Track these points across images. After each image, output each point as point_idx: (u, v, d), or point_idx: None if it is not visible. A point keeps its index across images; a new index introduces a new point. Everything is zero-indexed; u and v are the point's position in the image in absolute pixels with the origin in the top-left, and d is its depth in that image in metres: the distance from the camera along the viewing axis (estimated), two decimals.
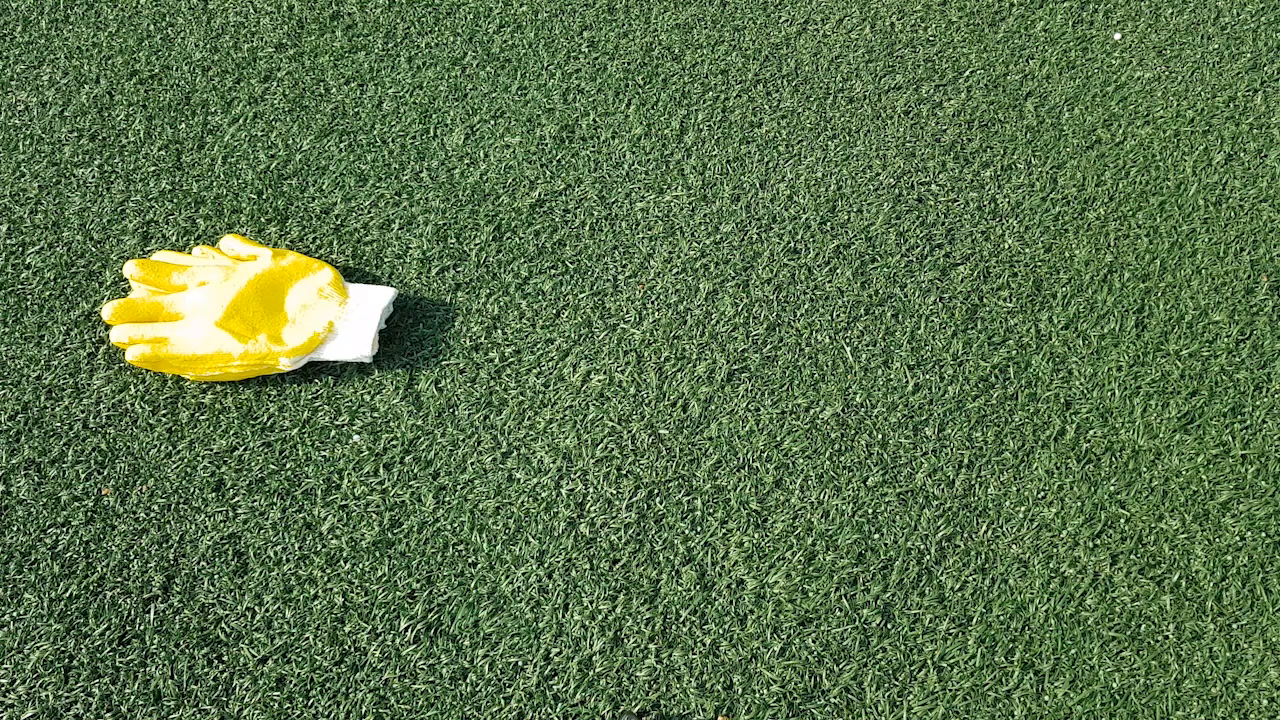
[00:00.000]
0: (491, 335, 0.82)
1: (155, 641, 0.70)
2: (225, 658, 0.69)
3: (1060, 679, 0.71)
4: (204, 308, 0.77)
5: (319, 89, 0.94)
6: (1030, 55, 1.00)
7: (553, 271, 0.86)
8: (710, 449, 0.78)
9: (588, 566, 0.74)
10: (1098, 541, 0.76)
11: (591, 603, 0.72)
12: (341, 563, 0.73)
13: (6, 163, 0.89)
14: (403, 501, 0.75)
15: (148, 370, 0.79)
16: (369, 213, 0.88)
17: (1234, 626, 0.73)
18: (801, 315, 0.84)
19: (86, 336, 0.81)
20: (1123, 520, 0.77)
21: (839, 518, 0.76)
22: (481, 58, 0.97)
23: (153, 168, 0.89)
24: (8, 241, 0.85)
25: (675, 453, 0.78)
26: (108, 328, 0.80)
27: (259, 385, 0.79)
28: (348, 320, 0.79)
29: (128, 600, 0.71)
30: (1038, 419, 0.80)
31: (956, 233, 0.89)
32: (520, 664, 0.70)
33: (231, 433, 0.77)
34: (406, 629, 0.71)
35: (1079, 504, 0.77)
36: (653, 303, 0.85)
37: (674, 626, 0.72)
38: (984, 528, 0.76)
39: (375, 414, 0.79)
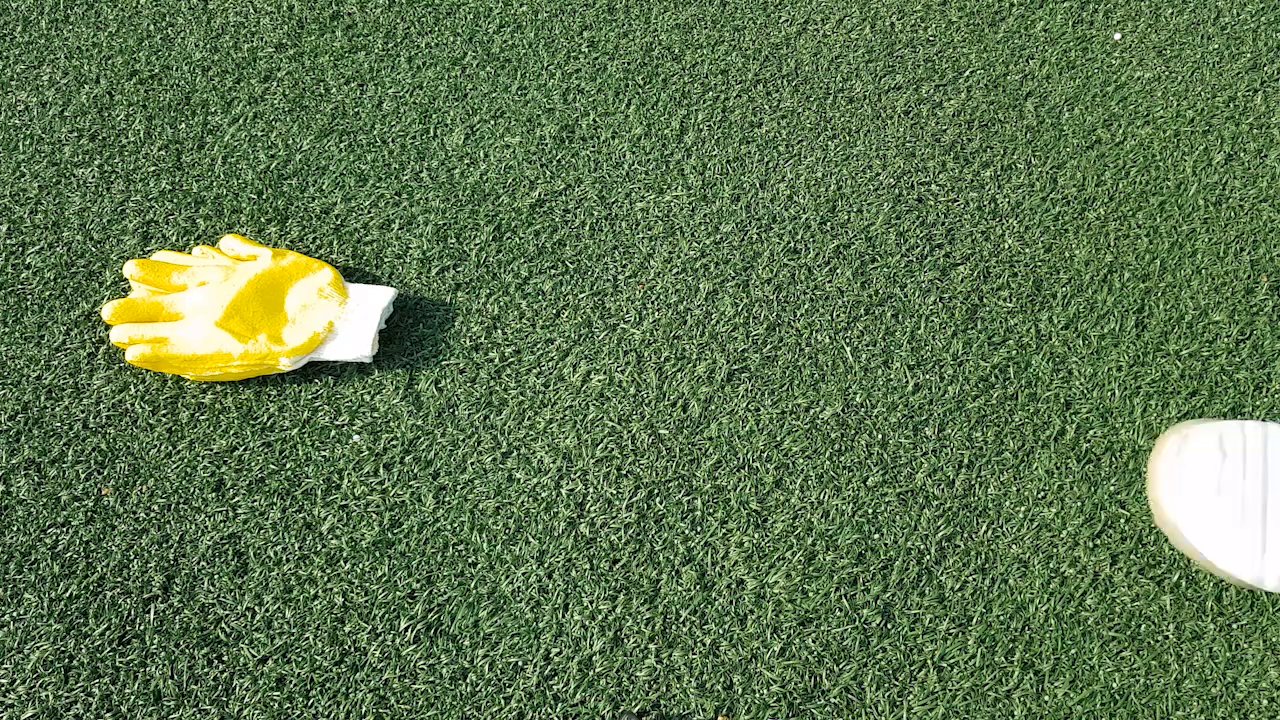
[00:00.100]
0: (491, 335, 0.82)
1: (155, 641, 0.70)
2: (225, 658, 0.69)
3: (1060, 679, 0.71)
4: (204, 308, 0.77)
5: (319, 89, 0.94)
6: (1030, 55, 1.00)
7: (553, 271, 0.86)
8: (710, 449, 0.78)
9: (588, 566, 0.74)
10: (1098, 541, 0.76)
11: (591, 603, 0.72)
12: (341, 563, 0.73)
13: (6, 163, 0.89)
14: (403, 501, 0.75)
15: (148, 370, 0.79)
16: (369, 213, 0.88)
17: (1234, 626, 0.73)
18: (801, 315, 0.84)
19: (86, 336, 0.81)
20: (1123, 520, 0.77)
21: (839, 518, 0.76)
22: (481, 58, 0.97)
23: (153, 168, 0.89)
24: (8, 241, 0.85)
25: (675, 453, 0.78)
26: (108, 328, 0.80)
27: (259, 385, 0.79)
28: (348, 320, 0.79)
29: (128, 600, 0.71)
30: (1038, 419, 0.80)
31: (956, 233, 0.89)
32: (520, 664, 0.70)
33: (231, 433, 0.77)
34: (406, 629, 0.71)
35: (1079, 504, 0.77)
36: (653, 303, 0.85)
37: (674, 626, 0.72)
38: (984, 528, 0.76)
39: (375, 414, 0.79)
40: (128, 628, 0.70)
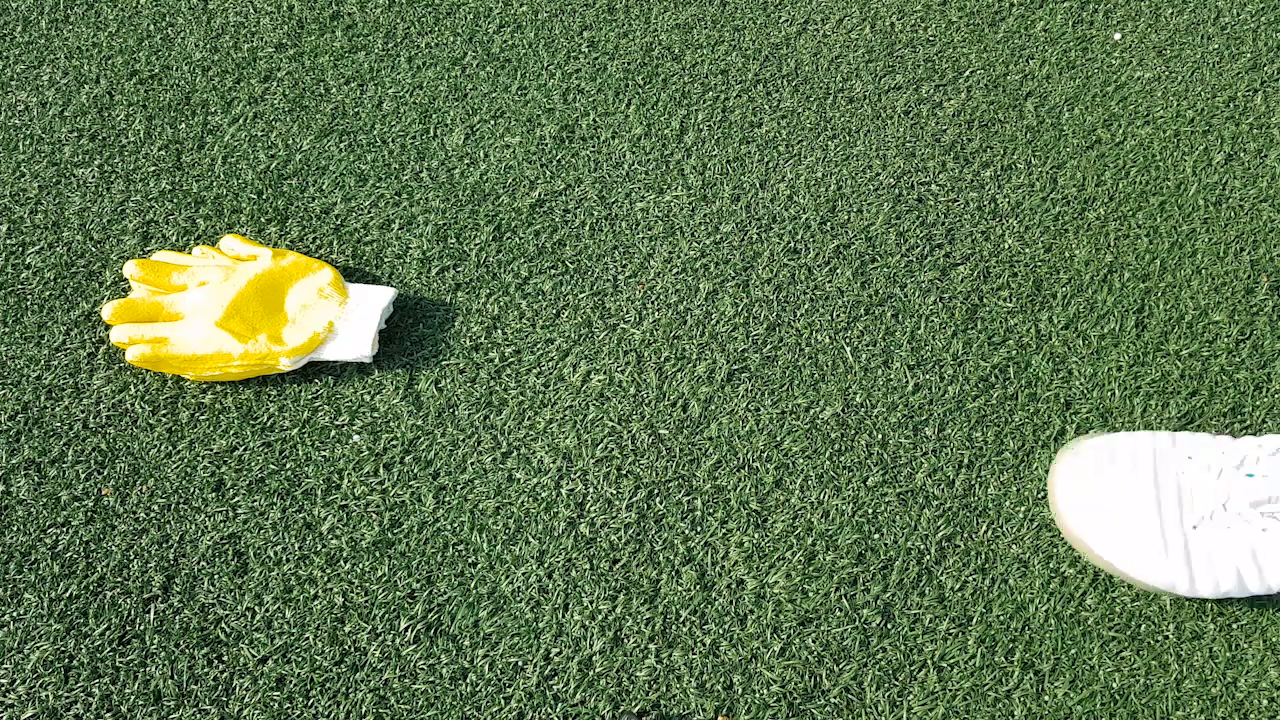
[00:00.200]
0: (491, 335, 0.82)
1: (155, 641, 0.70)
2: (225, 658, 0.69)
3: (1060, 679, 0.71)
4: (204, 308, 0.77)
5: (319, 89, 0.94)
6: (1030, 55, 1.00)
7: (553, 271, 0.86)
8: (710, 449, 0.78)
9: (588, 566, 0.74)
10: None
11: (591, 603, 0.72)
12: (341, 563, 0.73)
13: (6, 163, 0.89)
14: (403, 501, 0.75)
15: (148, 370, 0.79)
16: (369, 213, 0.88)
17: (1234, 626, 0.73)
18: (801, 315, 0.84)
19: (86, 336, 0.81)
20: None
21: (839, 518, 0.76)
22: (481, 58, 0.97)
23: (153, 168, 0.89)
24: (8, 241, 0.85)
25: (675, 453, 0.78)
26: (108, 328, 0.80)
27: (259, 385, 0.79)
28: (348, 320, 0.79)
29: (128, 600, 0.71)
30: (1038, 419, 0.80)
31: (956, 233, 0.89)
32: (520, 664, 0.70)
33: (231, 433, 0.77)
34: (406, 629, 0.71)
35: None
36: (653, 303, 0.85)
37: (674, 626, 0.72)
38: (984, 528, 0.76)
39: (375, 414, 0.79)
40: (128, 628, 0.70)
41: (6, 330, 0.81)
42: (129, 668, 0.69)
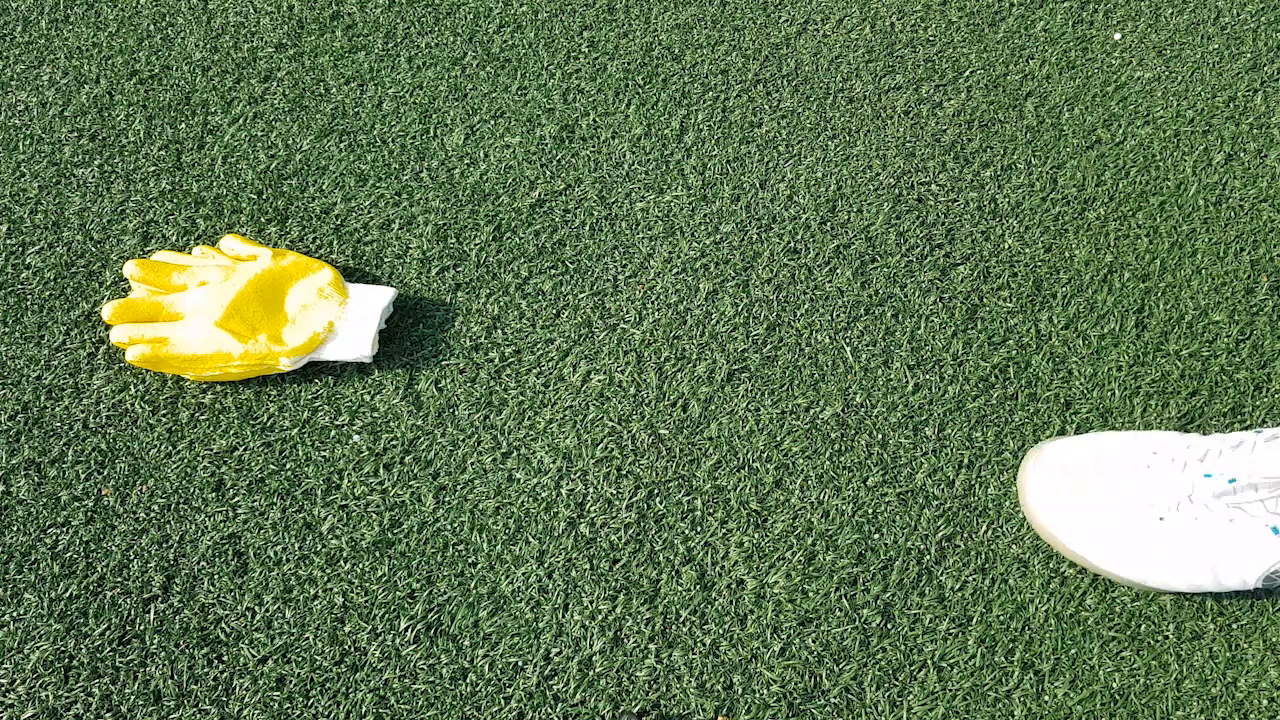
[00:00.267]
0: (491, 335, 0.82)
1: (155, 641, 0.70)
2: (225, 658, 0.69)
3: (1060, 679, 0.71)
4: (204, 308, 0.77)
5: (319, 89, 0.94)
6: (1030, 55, 1.00)
7: (553, 271, 0.86)
8: (710, 449, 0.78)
9: (588, 566, 0.74)
10: None
11: (591, 603, 0.72)
12: (341, 563, 0.73)
13: (6, 163, 0.89)
14: (403, 501, 0.75)
15: (148, 370, 0.79)
16: (369, 213, 0.88)
17: (1234, 626, 0.73)
18: (801, 315, 0.84)
19: (86, 336, 0.81)
20: None
21: (839, 518, 0.76)
22: (481, 58, 0.97)
23: (153, 168, 0.89)
24: (8, 241, 0.85)
25: (675, 453, 0.78)
26: (108, 328, 0.80)
27: (259, 385, 0.79)
28: (348, 320, 0.79)
29: (128, 600, 0.71)
30: (1038, 419, 0.80)
31: (956, 233, 0.89)
32: (520, 664, 0.70)
33: (231, 433, 0.77)
34: (406, 629, 0.71)
35: None
36: (653, 303, 0.85)
37: (674, 626, 0.72)
38: (984, 528, 0.76)
39: (375, 414, 0.79)
40: (128, 628, 0.70)
41: (6, 330, 0.81)
42: (129, 668, 0.69)
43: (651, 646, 0.71)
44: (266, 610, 0.71)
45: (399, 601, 0.72)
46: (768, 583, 0.73)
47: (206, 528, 0.74)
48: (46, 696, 0.68)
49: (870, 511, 0.76)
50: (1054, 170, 0.93)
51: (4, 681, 0.68)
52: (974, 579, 0.74)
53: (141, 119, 0.92)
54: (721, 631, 0.72)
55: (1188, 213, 0.91)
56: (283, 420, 0.78)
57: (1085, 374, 0.82)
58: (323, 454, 0.77)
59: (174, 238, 0.86)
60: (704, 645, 0.71)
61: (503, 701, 0.69)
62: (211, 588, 0.72)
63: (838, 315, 0.84)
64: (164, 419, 0.78)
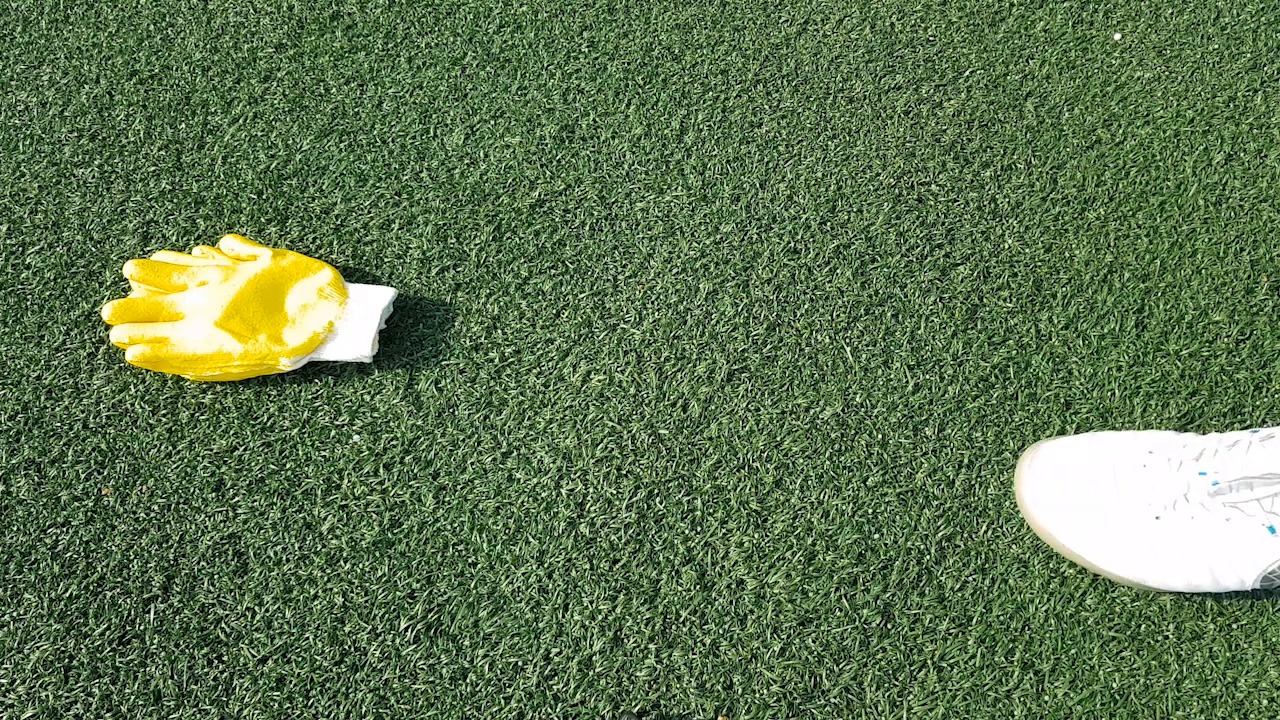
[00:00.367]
0: (491, 335, 0.82)
1: (155, 641, 0.70)
2: (225, 658, 0.69)
3: (1060, 679, 0.71)
4: (204, 308, 0.77)
5: (319, 89, 0.94)
6: (1030, 55, 1.00)
7: (553, 271, 0.86)
8: (710, 449, 0.78)
9: (588, 566, 0.74)
10: None
11: (591, 603, 0.72)
12: (341, 563, 0.73)
13: (6, 163, 0.89)
14: (403, 501, 0.75)
15: (148, 370, 0.79)
16: (369, 213, 0.88)
17: (1234, 626, 0.73)
18: (801, 315, 0.84)
19: (86, 336, 0.81)
20: None
21: (839, 518, 0.76)
22: (481, 58, 0.97)
23: (153, 168, 0.89)
24: (8, 241, 0.85)
25: (675, 453, 0.78)
26: (108, 328, 0.80)
27: (259, 385, 0.79)
28: (348, 320, 0.79)
29: (128, 600, 0.71)
30: (1038, 419, 0.80)
31: (956, 233, 0.89)
32: (520, 664, 0.70)
33: (231, 433, 0.77)
34: (406, 629, 0.71)
35: None
36: (653, 303, 0.85)
37: (674, 626, 0.72)
38: (984, 528, 0.76)
39: (375, 414, 0.79)
40: (128, 628, 0.70)
41: (6, 330, 0.81)
42: (129, 668, 0.69)
43: (651, 646, 0.71)
44: (266, 610, 0.71)
45: (399, 601, 0.72)
46: (768, 583, 0.73)
47: (206, 528, 0.74)
48: (46, 696, 0.68)
49: (870, 511, 0.76)
50: (1054, 170, 0.93)
51: (4, 681, 0.68)
52: (974, 579, 0.74)
53: (141, 119, 0.92)
54: (721, 631, 0.72)
55: (1188, 213, 0.91)
56: (283, 420, 0.78)
57: (1085, 374, 0.82)
58: (323, 454, 0.77)
59: (174, 238, 0.86)
60: (704, 645, 0.71)
61: (503, 701, 0.69)
62: (211, 588, 0.72)
63: (838, 315, 0.84)
64: (164, 419, 0.78)
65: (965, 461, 0.78)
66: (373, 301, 0.80)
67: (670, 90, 0.96)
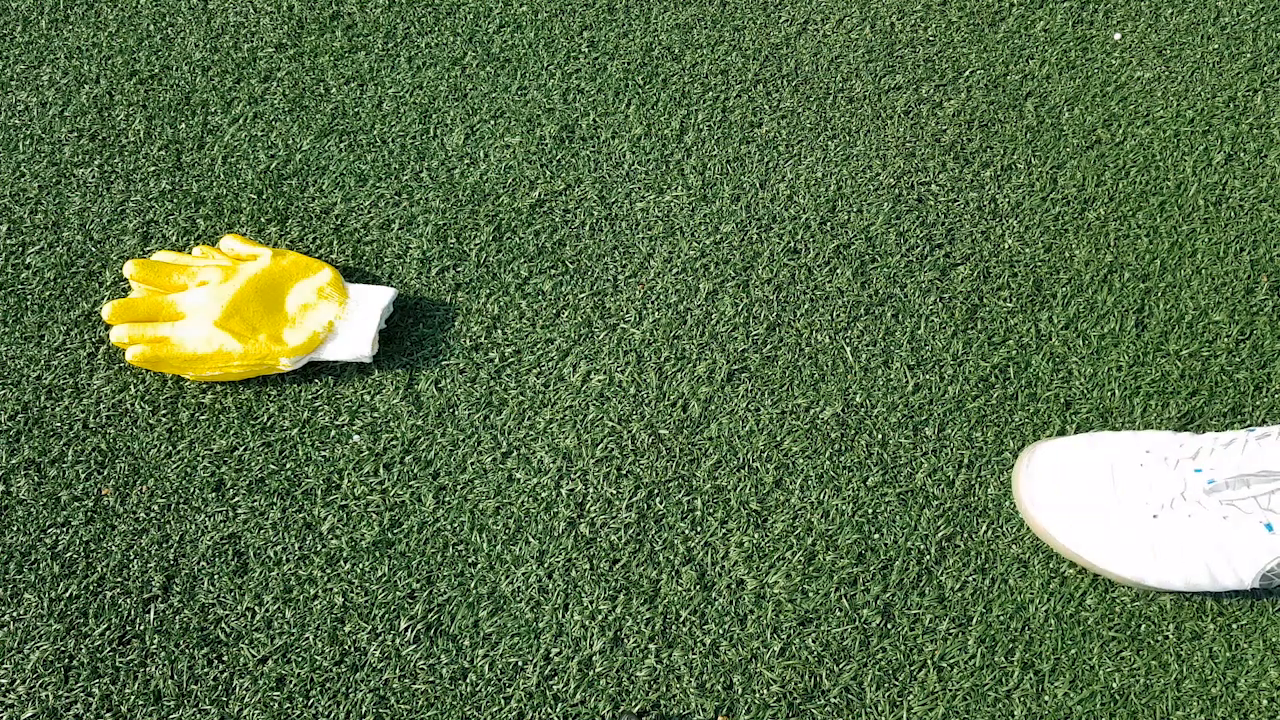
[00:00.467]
0: (491, 335, 0.82)
1: (155, 641, 0.70)
2: (225, 658, 0.69)
3: (1060, 679, 0.71)
4: (204, 307, 0.77)
5: (319, 89, 0.94)
6: (1030, 55, 1.00)
7: (553, 271, 0.86)
8: (710, 449, 0.78)
9: (588, 566, 0.74)
10: None
11: (591, 603, 0.72)
12: (341, 563, 0.73)
13: (6, 163, 0.89)
14: (403, 501, 0.75)
15: (148, 370, 0.79)
16: (369, 213, 0.88)
17: (1234, 626, 0.73)
18: (801, 315, 0.84)
19: (86, 336, 0.81)
20: None
21: (839, 518, 0.76)
22: (481, 58, 0.97)
23: (153, 168, 0.89)
24: (8, 241, 0.85)
25: (675, 453, 0.78)
26: (108, 328, 0.80)
27: (259, 385, 0.79)
28: (348, 320, 0.79)
29: (128, 600, 0.71)
30: (1038, 419, 0.80)
31: (956, 233, 0.89)
32: (520, 664, 0.70)
33: (231, 433, 0.77)
34: (406, 629, 0.71)
35: None
36: (653, 303, 0.85)
37: (674, 626, 0.72)
38: (984, 528, 0.76)
39: (375, 414, 0.79)
40: (128, 628, 0.70)
41: (6, 330, 0.81)
42: (129, 668, 0.69)
43: (651, 646, 0.71)
44: (266, 610, 0.71)
45: (399, 601, 0.72)
46: (768, 583, 0.73)
47: (206, 528, 0.74)
48: (46, 696, 0.68)
49: (870, 511, 0.76)
50: (1054, 170, 0.93)
51: (4, 681, 0.68)
52: (974, 579, 0.74)
53: (141, 119, 0.92)
54: (721, 631, 0.72)
55: (1188, 213, 0.91)
56: (283, 420, 0.78)
57: (1085, 374, 0.82)
58: (323, 454, 0.77)
59: (174, 238, 0.86)
60: (704, 645, 0.71)
61: (503, 701, 0.69)
62: (211, 588, 0.72)
63: (838, 315, 0.84)
64: (164, 419, 0.78)
65: (965, 461, 0.78)
66: (373, 301, 0.80)
67: (670, 90, 0.96)
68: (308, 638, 0.70)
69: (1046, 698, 0.71)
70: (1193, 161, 0.94)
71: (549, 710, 0.69)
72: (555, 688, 0.70)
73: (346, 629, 0.71)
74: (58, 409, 0.78)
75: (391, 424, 0.78)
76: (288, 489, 0.75)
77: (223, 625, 0.70)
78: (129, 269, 0.79)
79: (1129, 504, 0.71)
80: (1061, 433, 0.80)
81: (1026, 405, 0.81)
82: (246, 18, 0.98)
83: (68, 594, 0.71)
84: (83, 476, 0.75)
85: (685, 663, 0.71)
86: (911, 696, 0.70)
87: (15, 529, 0.73)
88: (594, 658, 0.71)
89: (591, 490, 0.76)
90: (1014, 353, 0.83)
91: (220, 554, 0.73)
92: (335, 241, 0.86)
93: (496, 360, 0.81)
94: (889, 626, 0.72)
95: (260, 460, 0.76)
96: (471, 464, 0.77)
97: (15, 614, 0.70)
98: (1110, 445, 0.73)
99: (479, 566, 0.73)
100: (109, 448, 0.76)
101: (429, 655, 0.70)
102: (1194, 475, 0.69)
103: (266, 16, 0.98)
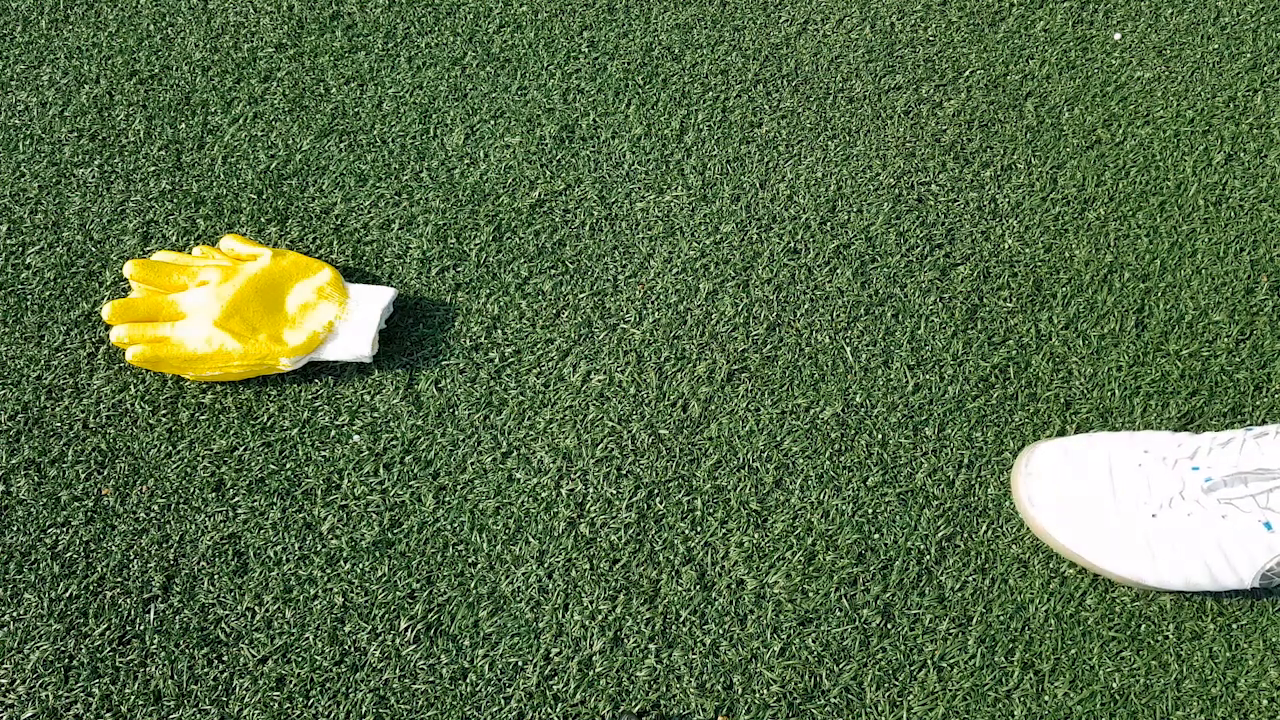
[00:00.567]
0: (491, 335, 0.82)
1: (155, 641, 0.70)
2: (225, 658, 0.69)
3: (1060, 679, 0.71)
4: (204, 307, 0.77)
5: (319, 89, 0.94)
6: (1030, 55, 1.00)
7: (553, 271, 0.86)
8: (710, 449, 0.78)
9: (588, 566, 0.74)
10: None
11: (591, 603, 0.72)
12: (341, 563, 0.73)
13: (6, 163, 0.89)
14: (403, 501, 0.75)
15: (148, 370, 0.79)
16: (369, 213, 0.88)
17: (1234, 626, 0.73)
18: (801, 315, 0.84)
19: (86, 336, 0.81)
20: None
21: (839, 518, 0.76)
22: (481, 58, 0.97)
23: (153, 168, 0.89)
24: (8, 241, 0.85)
25: (675, 453, 0.78)
26: (108, 328, 0.80)
27: (259, 385, 0.79)
28: (348, 320, 0.79)
29: (128, 600, 0.71)
30: (1038, 419, 0.80)
31: (956, 233, 0.89)
32: (520, 664, 0.70)
33: (231, 433, 0.77)
34: (406, 629, 0.71)
35: None
36: (653, 303, 0.85)
37: (674, 626, 0.72)
38: (984, 528, 0.76)
39: (375, 414, 0.79)
40: (128, 628, 0.70)
41: (6, 330, 0.81)
42: (129, 668, 0.69)
43: (651, 646, 0.71)
44: (266, 610, 0.71)
45: (399, 601, 0.72)
46: (768, 583, 0.73)
47: (206, 528, 0.74)
48: (46, 696, 0.68)
49: (870, 511, 0.76)
50: (1054, 170, 0.93)
51: (4, 681, 0.68)
52: (974, 579, 0.74)
53: (141, 119, 0.92)
54: (721, 631, 0.72)
55: (1188, 213, 0.91)
56: (283, 420, 0.78)
57: (1085, 374, 0.82)
58: (323, 454, 0.77)
59: (174, 238, 0.86)
60: (704, 645, 0.71)
61: (503, 701, 0.69)
62: (211, 588, 0.72)
63: (838, 315, 0.84)
64: (164, 419, 0.78)
65: (965, 461, 0.78)
66: (373, 302, 0.80)
67: (670, 90, 0.96)
68: (308, 638, 0.70)
69: (1046, 698, 0.71)
70: (1193, 161, 0.94)
71: (549, 710, 0.69)
72: (555, 688, 0.70)
73: (346, 629, 0.71)
74: (58, 409, 0.78)
75: (391, 424, 0.78)
76: (288, 489, 0.75)
77: (223, 625, 0.70)
78: (129, 269, 0.79)
79: (1128, 504, 0.71)
80: (1061, 433, 0.80)
81: (1026, 405, 0.81)
82: (246, 18, 0.98)
83: (68, 594, 0.71)
84: (83, 476, 0.75)
85: (685, 663, 0.71)
86: (911, 696, 0.70)
87: (15, 529, 0.73)
88: (594, 658, 0.71)
89: (591, 490, 0.76)
90: (1014, 353, 0.83)
91: (220, 554, 0.73)
92: (335, 241, 0.86)
93: (496, 360, 0.81)
94: (889, 626, 0.72)
95: (260, 460, 0.76)
96: (471, 464, 0.77)
97: (15, 614, 0.70)
98: (1108, 445, 0.73)
99: (479, 566, 0.73)
100: (109, 448, 0.76)
101: (429, 655, 0.70)
102: (1192, 474, 0.69)
103: (266, 16, 0.98)
